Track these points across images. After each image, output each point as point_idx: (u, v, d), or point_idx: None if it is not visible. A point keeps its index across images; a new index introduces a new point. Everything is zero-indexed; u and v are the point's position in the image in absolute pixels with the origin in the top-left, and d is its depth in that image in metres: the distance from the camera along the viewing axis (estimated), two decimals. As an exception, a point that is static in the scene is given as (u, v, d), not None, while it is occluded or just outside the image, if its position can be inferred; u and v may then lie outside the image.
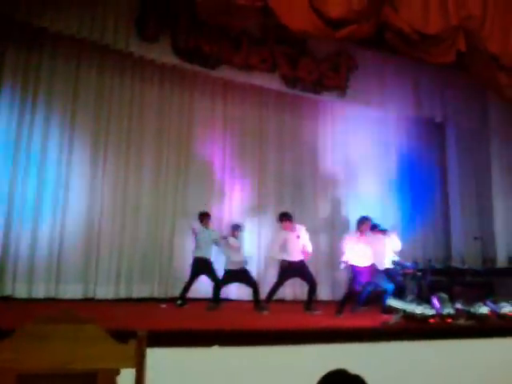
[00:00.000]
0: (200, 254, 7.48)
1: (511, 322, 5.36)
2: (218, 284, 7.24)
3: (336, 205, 10.05)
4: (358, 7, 6.12)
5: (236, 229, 7.57)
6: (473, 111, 9.98)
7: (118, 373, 1.56)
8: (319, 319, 6.22)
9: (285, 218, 7.28)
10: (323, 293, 9.12)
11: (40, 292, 7.41)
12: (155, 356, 2.28)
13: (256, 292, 7.17)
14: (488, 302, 5.47)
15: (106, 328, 1.75)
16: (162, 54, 7.63)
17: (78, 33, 6.96)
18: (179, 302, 7.23)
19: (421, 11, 6.40)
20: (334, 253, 8.92)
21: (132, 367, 1.56)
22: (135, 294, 8.08)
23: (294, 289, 8.96)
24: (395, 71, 9.21)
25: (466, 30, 6.64)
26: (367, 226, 7.23)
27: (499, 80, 7.24)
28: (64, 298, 7.49)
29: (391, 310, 5.23)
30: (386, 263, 7.37)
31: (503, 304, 5.47)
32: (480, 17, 6.69)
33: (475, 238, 9.16)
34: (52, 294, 7.46)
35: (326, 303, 8.18)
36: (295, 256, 7.10)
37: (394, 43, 6.65)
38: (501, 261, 9.12)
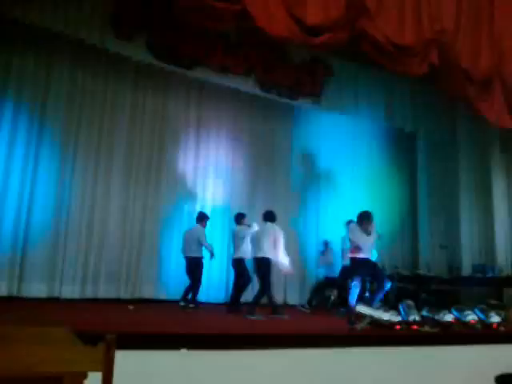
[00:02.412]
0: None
1: (474, 329, 5.48)
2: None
3: (308, 209, 10.12)
4: (335, 15, 6.19)
5: (244, 217, 7.71)
6: (443, 123, 10.24)
7: (85, 376, 1.52)
8: (287, 324, 6.23)
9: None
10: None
11: (2, 290, 7.18)
12: (122, 359, 2.23)
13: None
14: (453, 310, 5.58)
15: (73, 330, 1.70)
16: (137, 51, 7.57)
17: (51, 26, 6.83)
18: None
19: (396, 23, 6.51)
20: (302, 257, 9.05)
21: (100, 371, 1.52)
22: (101, 294, 7.94)
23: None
24: (369, 81, 9.37)
25: (438, 44, 6.78)
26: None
27: (468, 93, 7.42)
28: (28, 296, 7.30)
29: (359, 316, 5.27)
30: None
31: (467, 312, 5.59)
32: (453, 31, 6.85)
33: (441, 247, 9.37)
34: (15, 293, 7.25)
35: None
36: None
37: (369, 53, 6.74)
38: (465, 269, 9.33)
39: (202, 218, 7.88)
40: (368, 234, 6.07)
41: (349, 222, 7.28)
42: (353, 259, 6.13)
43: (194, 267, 7.57)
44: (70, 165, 8.00)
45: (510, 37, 7.45)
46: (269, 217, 7.19)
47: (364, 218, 6.17)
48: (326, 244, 9.03)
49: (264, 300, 6.96)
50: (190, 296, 7.53)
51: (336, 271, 8.22)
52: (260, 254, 6.92)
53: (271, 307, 6.88)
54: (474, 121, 9.29)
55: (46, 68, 7.92)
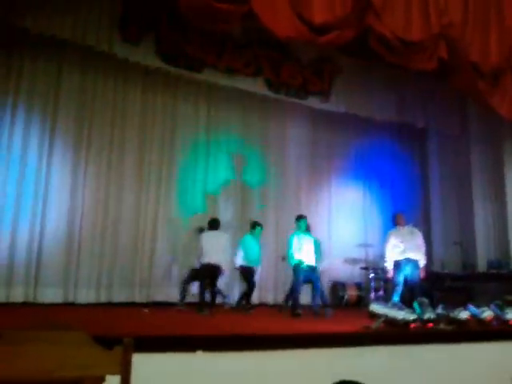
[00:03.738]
0: None
1: (491, 326, 5.43)
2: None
3: (320, 209, 10.10)
4: (341, 13, 6.17)
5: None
6: (454, 118, 10.14)
7: (103, 380, 1.54)
8: (300, 324, 6.22)
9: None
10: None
11: (19, 296, 7.25)
12: (139, 361, 2.25)
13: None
14: (469, 307, 5.53)
15: (91, 334, 1.72)
16: (146, 56, 7.59)
17: (60, 34, 6.89)
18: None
19: (403, 19, 6.47)
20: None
21: (118, 374, 1.54)
22: (116, 299, 7.98)
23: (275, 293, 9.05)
24: (378, 77, 9.31)
25: (447, 38, 6.73)
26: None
27: (479, 87, 7.36)
28: (43, 302, 7.36)
29: (374, 315, 5.25)
30: None
31: (483, 309, 5.54)
32: (461, 25, 6.80)
33: (455, 243, 9.28)
34: (31, 299, 7.33)
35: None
36: None
37: (377, 49, 6.71)
38: (480, 266, 9.24)
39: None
40: None
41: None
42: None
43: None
44: (82, 170, 8.07)
45: (519, 29, 7.37)
46: (213, 225, 7.59)
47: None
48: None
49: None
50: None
51: None
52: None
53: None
54: (485, 115, 9.20)
55: (56, 74, 8.00)
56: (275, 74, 8.45)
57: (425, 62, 6.83)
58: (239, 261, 7.84)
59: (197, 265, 7.49)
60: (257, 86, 8.50)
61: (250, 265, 7.85)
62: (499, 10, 7.22)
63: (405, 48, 6.60)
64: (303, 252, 7.23)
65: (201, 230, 7.86)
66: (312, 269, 7.23)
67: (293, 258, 7.20)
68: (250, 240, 8.00)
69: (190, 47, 7.70)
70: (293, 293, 7.21)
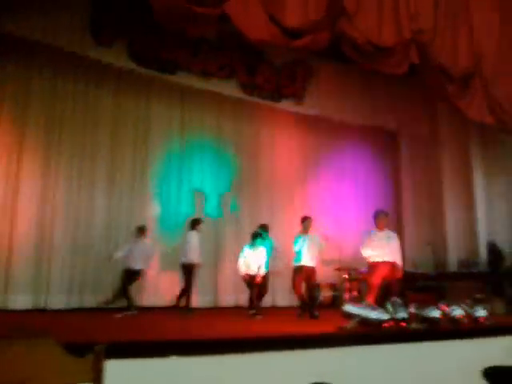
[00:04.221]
0: None
1: (462, 324, 5.55)
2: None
3: (293, 212, 10.14)
4: (314, 17, 6.23)
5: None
6: (424, 121, 10.36)
7: (75, 388, 1.52)
8: (276, 326, 6.24)
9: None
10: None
11: (-13, 303, 7.10)
12: (112, 368, 2.23)
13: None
14: (441, 306, 5.64)
15: (62, 341, 1.69)
16: (118, 58, 7.54)
17: (29, 36, 6.77)
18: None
19: (375, 24, 6.58)
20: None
21: (90, 382, 1.52)
22: (88, 304, 7.86)
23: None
24: (351, 81, 9.44)
25: (417, 43, 6.87)
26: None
27: (448, 90, 7.52)
28: (14, 308, 7.21)
29: (348, 315, 5.30)
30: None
31: (454, 307, 5.65)
32: (431, 30, 6.94)
33: (427, 244, 9.46)
34: (0, 305, 7.16)
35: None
36: None
37: (349, 54, 6.80)
38: (451, 265, 9.44)
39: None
40: None
41: None
42: None
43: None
44: (53, 174, 7.93)
45: (487, 34, 7.58)
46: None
47: None
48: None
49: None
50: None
51: None
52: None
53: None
54: (454, 118, 9.42)
55: (25, 77, 7.83)
56: (249, 77, 8.48)
57: (396, 67, 6.95)
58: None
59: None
60: (231, 89, 8.51)
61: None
62: (468, 16, 7.40)
63: (376, 52, 6.70)
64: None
65: (141, 229, 7.70)
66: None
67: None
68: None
69: (164, 49, 7.67)
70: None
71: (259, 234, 7.64)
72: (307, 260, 7.30)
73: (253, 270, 7.43)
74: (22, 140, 7.74)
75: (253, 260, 7.45)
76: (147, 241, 7.78)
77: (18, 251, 7.48)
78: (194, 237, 7.80)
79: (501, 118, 7.80)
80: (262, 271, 7.44)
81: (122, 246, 7.68)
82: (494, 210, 9.75)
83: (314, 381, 2.75)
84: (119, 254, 7.47)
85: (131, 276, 7.47)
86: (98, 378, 1.56)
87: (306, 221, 7.53)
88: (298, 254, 7.33)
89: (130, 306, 7.32)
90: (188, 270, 7.68)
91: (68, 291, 7.80)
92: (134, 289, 7.64)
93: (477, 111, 7.66)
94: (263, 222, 8.48)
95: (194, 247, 7.74)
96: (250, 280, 7.46)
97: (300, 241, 7.37)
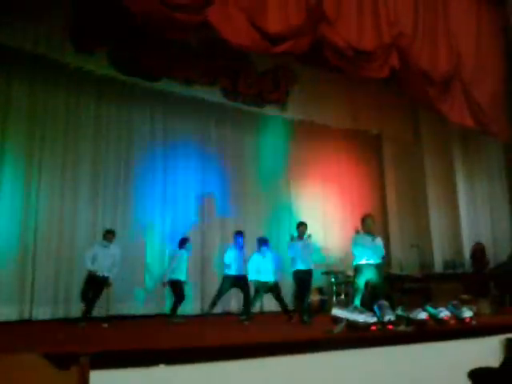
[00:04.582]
0: None
1: (448, 325, 5.58)
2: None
3: (279, 216, 10.15)
4: (295, 23, 6.28)
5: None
6: (407, 124, 10.46)
7: (59, 402, 1.49)
8: (264, 331, 6.21)
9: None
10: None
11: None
12: (98, 379, 2.19)
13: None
14: (426, 308, 5.66)
15: (46, 353, 1.66)
16: (100, 65, 7.47)
17: (8, 42, 6.68)
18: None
19: (356, 29, 6.65)
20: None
21: (73, 395, 1.49)
22: (74, 314, 7.73)
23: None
24: (333, 85, 9.49)
25: (398, 47, 6.95)
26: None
27: (429, 94, 7.62)
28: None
29: (336, 319, 5.29)
30: None
31: (440, 309, 5.68)
32: (411, 35, 7.04)
33: (412, 246, 9.52)
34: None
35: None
36: None
37: (331, 59, 6.85)
38: (437, 266, 9.52)
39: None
40: None
41: None
42: None
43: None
44: (35, 183, 7.80)
45: (466, 37, 7.71)
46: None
47: None
48: None
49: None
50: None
51: None
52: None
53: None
54: (435, 121, 9.54)
55: (5, 84, 7.71)
56: (232, 84, 8.48)
57: (377, 71, 7.02)
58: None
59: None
60: (214, 95, 8.50)
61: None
62: (446, 20, 7.52)
63: (357, 57, 6.77)
64: None
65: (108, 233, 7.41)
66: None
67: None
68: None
69: (146, 57, 7.63)
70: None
71: (266, 240, 7.72)
72: (304, 265, 7.31)
73: (265, 277, 7.47)
74: (1, 150, 7.60)
75: (264, 266, 7.49)
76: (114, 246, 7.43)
77: (1, 261, 7.34)
78: (183, 255, 7.77)
79: (481, 120, 7.92)
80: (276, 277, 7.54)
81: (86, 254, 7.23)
82: (477, 211, 9.88)
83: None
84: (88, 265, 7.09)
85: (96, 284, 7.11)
86: (82, 390, 1.52)
87: (301, 226, 7.54)
88: (294, 259, 7.33)
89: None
90: (176, 287, 7.63)
91: (53, 301, 7.67)
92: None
93: (458, 114, 7.77)
94: (248, 226, 8.48)
95: (183, 266, 7.72)
96: (261, 287, 7.49)
97: (295, 246, 7.37)
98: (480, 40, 7.93)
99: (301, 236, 7.41)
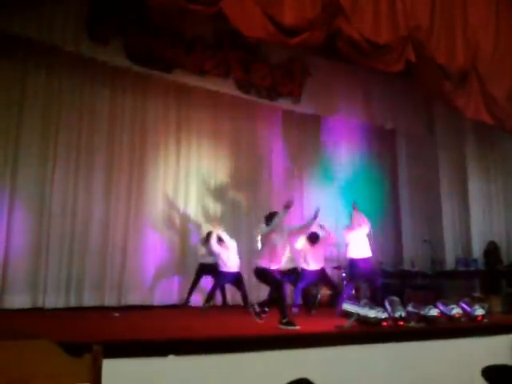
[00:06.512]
0: None
1: (460, 323, 5.54)
2: None
3: (292, 210, 10.07)
4: (311, 15, 6.21)
5: None
6: (421, 119, 10.35)
7: (72, 389, 1.50)
8: (271, 325, 6.21)
9: None
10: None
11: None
12: (110, 368, 2.20)
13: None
14: (439, 304, 5.63)
15: (59, 341, 1.67)
16: (114, 56, 7.46)
17: (23, 33, 6.70)
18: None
19: (372, 21, 6.56)
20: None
21: (88, 382, 1.50)
22: (86, 303, 7.82)
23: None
24: (347, 79, 9.39)
25: (414, 40, 6.86)
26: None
27: (445, 88, 7.52)
28: (12, 308, 7.15)
29: (346, 314, 5.29)
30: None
31: (452, 306, 5.65)
32: (428, 28, 6.93)
33: (424, 241, 9.45)
34: (-2, 305, 7.12)
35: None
36: None
37: (346, 51, 6.78)
38: (449, 263, 9.44)
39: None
40: None
41: None
42: None
43: None
44: (49, 173, 7.86)
45: (484, 31, 7.57)
46: None
47: None
48: None
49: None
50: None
51: None
52: None
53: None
54: (450, 116, 9.42)
55: (21, 74, 7.76)
56: (245, 75, 8.43)
57: (392, 64, 6.93)
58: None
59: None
60: (227, 87, 8.47)
61: None
62: (464, 13, 7.39)
63: (373, 50, 6.69)
64: None
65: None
66: None
67: None
68: None
69: (160, 48, 7.61)
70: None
71: None
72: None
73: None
74: (18, 139, 7.66)
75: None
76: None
77: (14, 250, 7.42)
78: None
79: (497, 115, 7.79)
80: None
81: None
82: (491, 207, 9.77)
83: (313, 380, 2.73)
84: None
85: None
86: (95, 377, 1.53)
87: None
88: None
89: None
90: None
91: (66, 290, 7.75)
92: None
93: (474, 109, 7.66)
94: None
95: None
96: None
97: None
98: (498, 35, 7.78)
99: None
